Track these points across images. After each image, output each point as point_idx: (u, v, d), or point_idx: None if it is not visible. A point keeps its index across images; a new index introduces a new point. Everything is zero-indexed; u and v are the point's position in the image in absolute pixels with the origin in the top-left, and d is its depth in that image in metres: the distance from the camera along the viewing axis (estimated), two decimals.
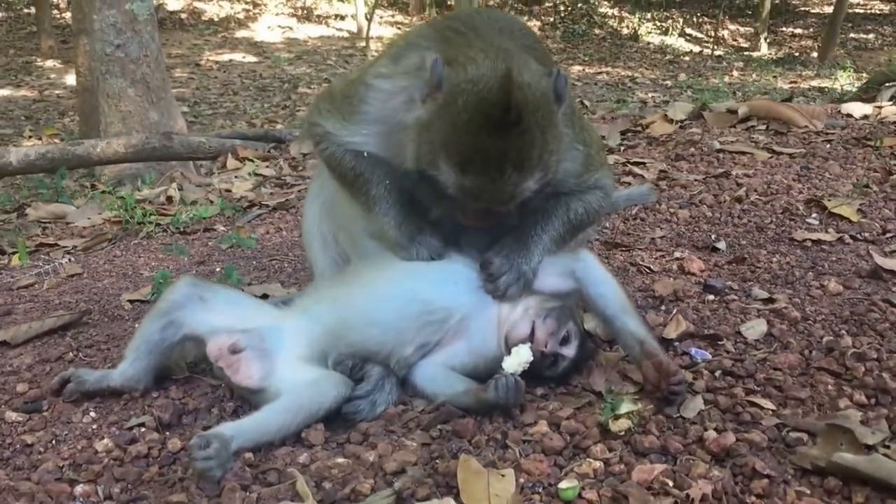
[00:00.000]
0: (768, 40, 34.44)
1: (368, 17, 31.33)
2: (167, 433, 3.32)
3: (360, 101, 3.69)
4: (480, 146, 3.12)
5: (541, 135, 3.21)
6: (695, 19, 37.15)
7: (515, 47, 3.53)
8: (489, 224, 3.54)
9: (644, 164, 7.22)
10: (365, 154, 3.68)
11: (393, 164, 3.61)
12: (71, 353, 4.13)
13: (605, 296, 3.57)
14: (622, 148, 8.26)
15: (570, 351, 3.49)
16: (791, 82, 26.25)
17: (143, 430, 3.32)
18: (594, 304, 3.60)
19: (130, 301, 4.94)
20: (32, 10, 29.56)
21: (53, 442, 3.30)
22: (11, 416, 3.48)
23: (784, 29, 36.76)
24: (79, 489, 2.94)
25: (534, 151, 3.19)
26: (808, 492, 2.72)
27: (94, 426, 3.40)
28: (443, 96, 3.23)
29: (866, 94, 10.36)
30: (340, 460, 3.01)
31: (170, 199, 8.38)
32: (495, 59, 3.26)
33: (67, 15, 27.67)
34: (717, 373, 3.50)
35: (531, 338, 3.43)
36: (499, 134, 3.11)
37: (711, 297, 4.34)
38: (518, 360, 3.34)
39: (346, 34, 32.93)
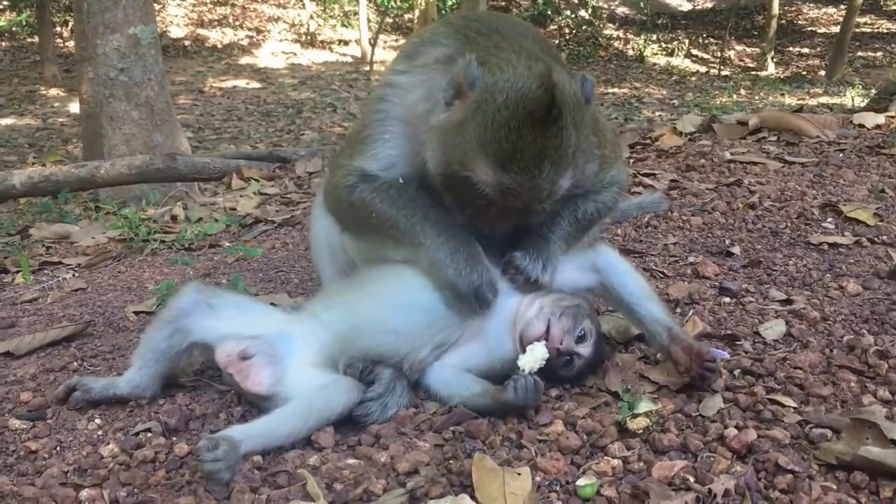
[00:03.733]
0: (775, 60, 34.44)
1: (372, 41, 31.48)
2: (174, 438, 3.25)
3: (379, 100, 3.65)
4: (521, 143, 3.06)
5: (575, 133, 3.17)
6: (700, 40, 37.18)
7: (542, 51, 3.50)
8: (507, 227, 3.47)
9: (654, 175, 7.16)
10: (399, 181, 3.58)
11: (419, 173, 3.51)
12: (75, 363, 4.08)
13: (627, 284, 3.56)
14: (632, 160, 8.18)
15: (586, 349, 3.43)
16: (799, 100, 26.20)
17: (149, 435, 3.26)
18: (618, 294, 3.58)
19: (135, 312, 4.88)
20: (36, 39, 29.65)
21: (58, 448, 3.24)
22: (15, 423, 3.41)
23: (791, 49, 36.75)
24: (84, 493, 2.87)
25: (569, 149, 3.15)
26: (834, 486, 2.69)
27: (100, 432, 3.34)
28: (478, 95, 3.16)
29: (878, 104, 10.29)
30: (352, 461, 2.97)
31: (174, 217, 8.34)
32: (528, 59, 3.22)
33: (70, 44, 27.72)
34: (736, 372, 3.46)
35: (546, 336, 3.37)
36: (539, 131, 3.06)
37: (727, 299, 4.30)
38: (533, 357, 3.29)
39: (350, 59, 33.06)
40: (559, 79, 3.13)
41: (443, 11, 35.04)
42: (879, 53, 35.13)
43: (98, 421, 3.43)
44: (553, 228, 3.63)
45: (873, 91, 22.81)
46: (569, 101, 3.13)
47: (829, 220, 5.52)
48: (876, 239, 5.13)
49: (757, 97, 27.51)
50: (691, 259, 4.94)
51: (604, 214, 3.92)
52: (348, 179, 3.65)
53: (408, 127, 3.54)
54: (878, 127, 8.57)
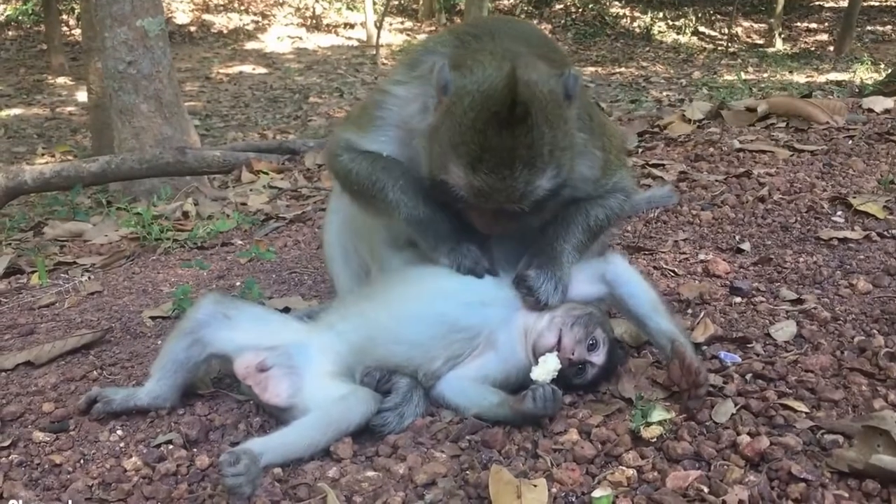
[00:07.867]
0: (783, 36, 34.25)
1: (378, 24, 31.34)
2: (195, 450, 3.29)
3: (377, 106, 3.70)
4: (488, 144, 3.12)
5: (550, 131, 3.19)
6: (708, 17, 36.97)
7: (528, 51, 3.51)
8: (505, 229, 3.51)
9: (663, 165, 7.16)
10: (384, 154, 3.66)
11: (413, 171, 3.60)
12: (95, 372, 4.11)
13: (636, 296, 3.56)
14: (640, 150, 8.18)
15: (598, 358, 3.45)
16: (808, 76, 26.09)
17: (170, 447, 3.30)
18: (626, 305, 3.59)
19: (152, 318, 4.91)
20: (42, 27, 29.56)
21: (82, 461, 3.27)
22: (39, 436, 3.45)
23: (798, 24, 36.52)
24: None
25: (544, 148, 3.18)
26: (847, 495, 2.71)
27: (122, 444, 3.38)
28: (449, 99, 3.24)
29: (887, 87, 10.24)
30: (370, 473, 3.00)
31: (186, 214, 8.35)
32: (501, 59, 3.27)
33: (77, 32, 27.62)
34: (748, 376, 3.47)
35: (558, 346, 3.40)
36: (506, 131, 3.11)
37: (738, 299, 4.30)
38: (546, 368, 3.32)
39: (355, 42, 32.92)
40: (527, 77, 3.17)
41: None
42: (888, 27, 34.89)
43: (120, 432, 3.46)
44: (566, 238, 3.65)
45: (882, 67, 22.73)
46: (539, 98, 3.16)
47: (839, 213, 5.48)
48: (886, 233, 5.09)
49: (765, 74, 27.37)
50: (702, 256, 4.94)
51: (613, 222, 3.94)
52: (336, 148, 3.81)
53: (404, 134, 3.62)
54: (887, 111, 8.53)
